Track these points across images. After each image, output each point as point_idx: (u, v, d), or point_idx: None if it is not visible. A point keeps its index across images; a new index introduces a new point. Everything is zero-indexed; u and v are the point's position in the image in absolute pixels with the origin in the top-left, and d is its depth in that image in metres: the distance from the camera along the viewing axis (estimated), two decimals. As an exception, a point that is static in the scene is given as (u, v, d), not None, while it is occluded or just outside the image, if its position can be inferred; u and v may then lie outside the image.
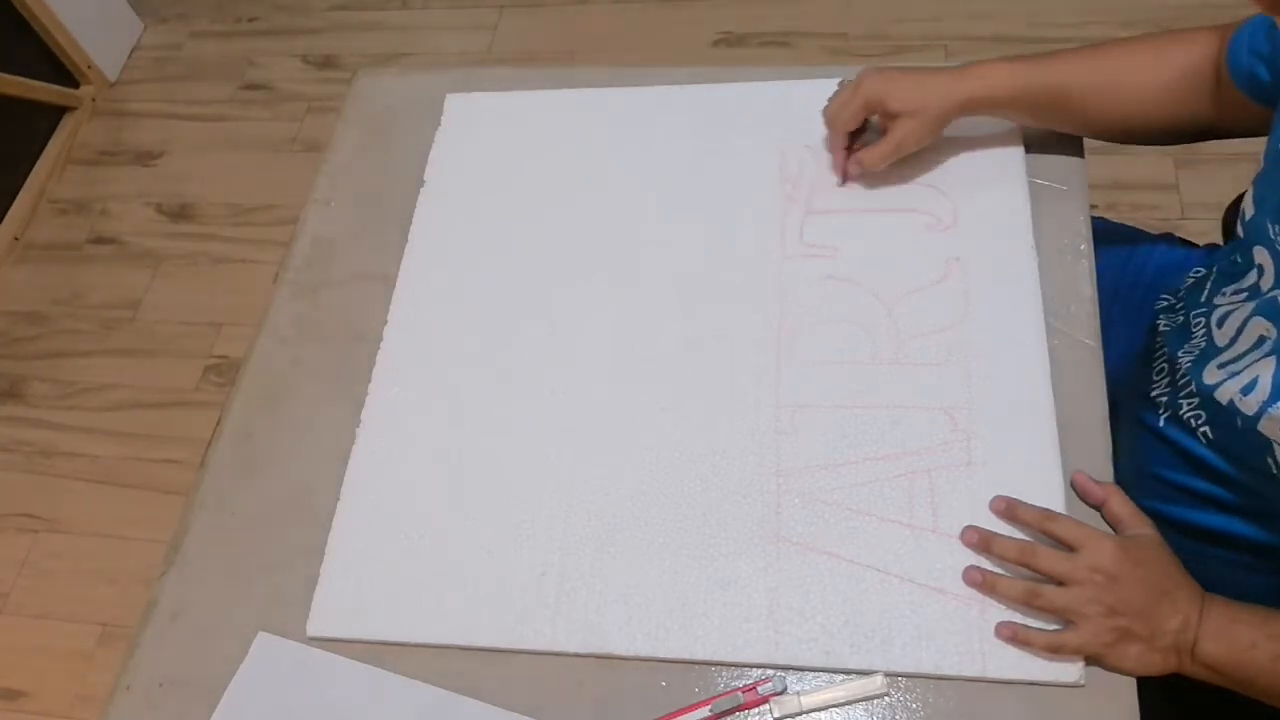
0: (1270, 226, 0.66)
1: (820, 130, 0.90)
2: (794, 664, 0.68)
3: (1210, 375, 0.70)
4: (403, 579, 0.76)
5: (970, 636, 0.67)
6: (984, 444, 0.74)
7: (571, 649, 0.71)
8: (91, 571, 1.61)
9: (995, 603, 0.68)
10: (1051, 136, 0.86)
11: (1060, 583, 0.65)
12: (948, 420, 0.75)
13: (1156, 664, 0.64)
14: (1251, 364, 0.66)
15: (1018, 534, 0.70)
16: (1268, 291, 0.66)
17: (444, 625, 0.73)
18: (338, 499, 0.80)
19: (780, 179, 0.90)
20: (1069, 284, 0.80)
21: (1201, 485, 0.73)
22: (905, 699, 0.66)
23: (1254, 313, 0.67)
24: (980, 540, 0.69)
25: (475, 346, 0.86)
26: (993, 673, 0.66)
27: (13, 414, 1.79)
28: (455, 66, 2.01)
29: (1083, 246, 0.82)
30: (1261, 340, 0.66)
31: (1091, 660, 0.65)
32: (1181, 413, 0.74)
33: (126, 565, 1.60)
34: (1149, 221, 0.83)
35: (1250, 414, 0.64)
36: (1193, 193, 1.66)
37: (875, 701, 0.67)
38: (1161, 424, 0.76)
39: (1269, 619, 0.63)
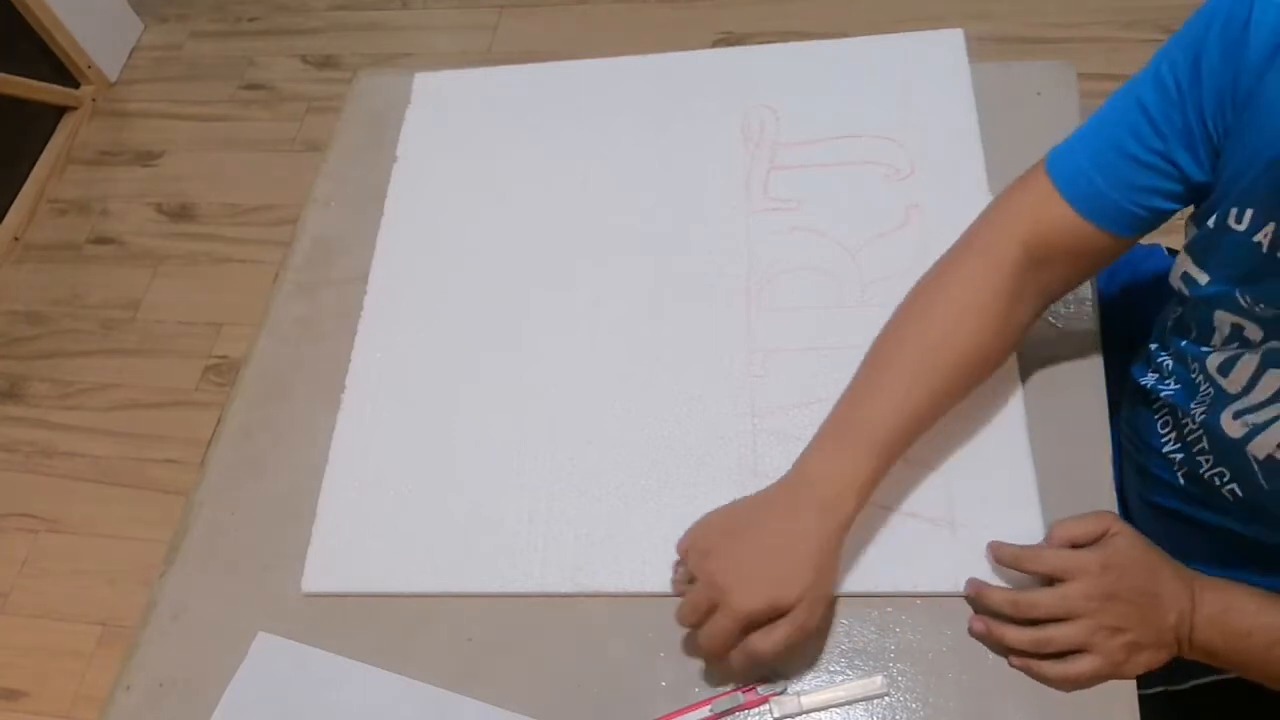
0: (1239, 296, 0.61)
1: (781, 90, 0.94)
2: None
3: (1231, 427, 0.64)
4: (393, 531, 0.78)
5: (944, 556, 0.70)
6: None
7: (561, 590, 0.73)
8: (91, 571, 1.61)
9: (966, 524, 0.70)
10: (1047, 133, 0.86)
11: (1061, 617, 0.64)
12: None
13: (1164, 659, 0.65)
14: None
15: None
16: (1261, 343, 0.61)
17: (436, 574, 0.76)
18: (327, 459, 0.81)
19: (744, 138, 0.93)
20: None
21: (1231, 551, 0.70)
22: (905, 699, 0.66)
23: (1265, 365, 0.61)
24: (975, 594, 0.68)
25: (456, 305, 0.88)
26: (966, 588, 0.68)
27: (13, 414, 1.79)
28: (455, 67, 2.02)
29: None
30: None
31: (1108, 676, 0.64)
32: (1201, 471, 0.69)
33: (126, 565, 1.60)
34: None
35: None
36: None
37: (875, 701, 0.67)
38: (1182, 482, 0.72)
39: (1264, 607, 0.62)
